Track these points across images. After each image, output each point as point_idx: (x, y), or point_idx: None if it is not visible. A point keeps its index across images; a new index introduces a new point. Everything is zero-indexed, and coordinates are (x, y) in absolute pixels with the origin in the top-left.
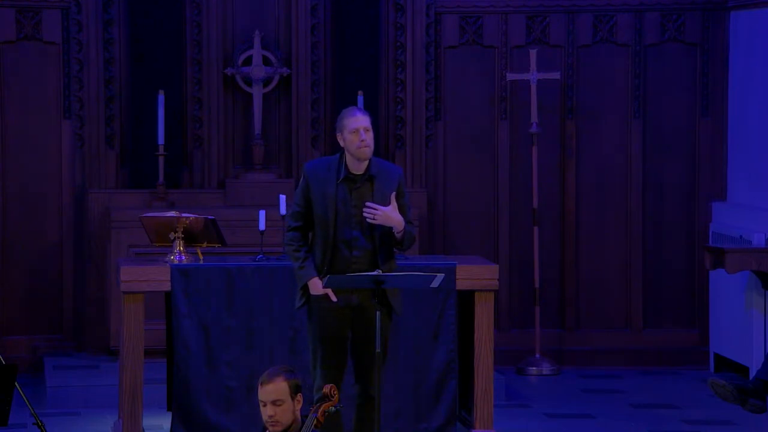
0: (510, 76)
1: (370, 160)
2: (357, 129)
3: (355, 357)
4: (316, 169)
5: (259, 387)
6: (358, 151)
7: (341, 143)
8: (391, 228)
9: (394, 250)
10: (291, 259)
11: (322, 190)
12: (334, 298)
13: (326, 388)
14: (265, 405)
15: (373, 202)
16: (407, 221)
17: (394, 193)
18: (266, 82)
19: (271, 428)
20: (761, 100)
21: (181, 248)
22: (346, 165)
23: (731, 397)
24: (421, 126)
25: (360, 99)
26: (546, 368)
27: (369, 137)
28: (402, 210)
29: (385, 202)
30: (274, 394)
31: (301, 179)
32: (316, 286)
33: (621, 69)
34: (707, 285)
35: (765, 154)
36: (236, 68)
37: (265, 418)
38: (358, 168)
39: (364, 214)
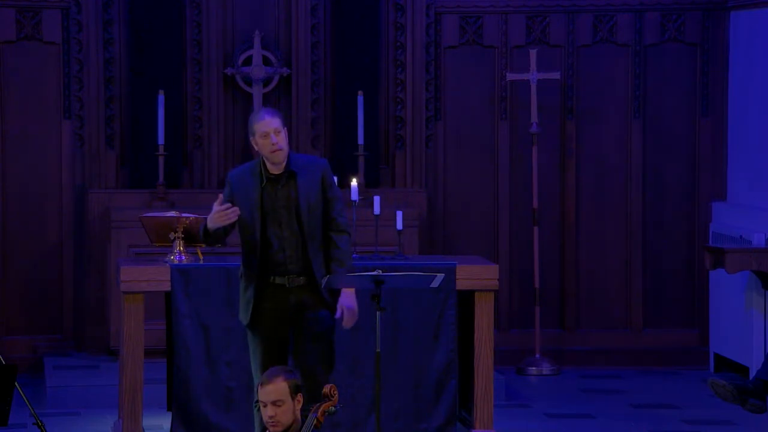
0: (510, 76)
1: (290, 157)
2: (267, 133)
3: (296, 359)
4: (239, 175)
5: (259, 388)
6: (271, 155)
7: (255, 148)
8: (318, 219)
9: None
10: (200, 239)
11: (245, 194)
12: (232, 212)
13: (326, 388)
14: (265, 405)
15: (297, 197)
16: (336, 215)
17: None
18: (266, 82)
19: (271, 428)
20: (761, 100)
21: (181, 248)
22: (266, 168)
23: (731, 397)
24: (421, 126)
25: (360, 99)
26: (546, 368)
27: (280, 139)
28: (329, 204)
29: (310, 197)
30: (274, 395)
31: (225, 187)
32: (210, 217)
33: (621, 69)
34: (707, 285)
35: (765, 154)
36: (236, 68)
37: (265, 418)
38: (277, 169)
39: (344, 325)
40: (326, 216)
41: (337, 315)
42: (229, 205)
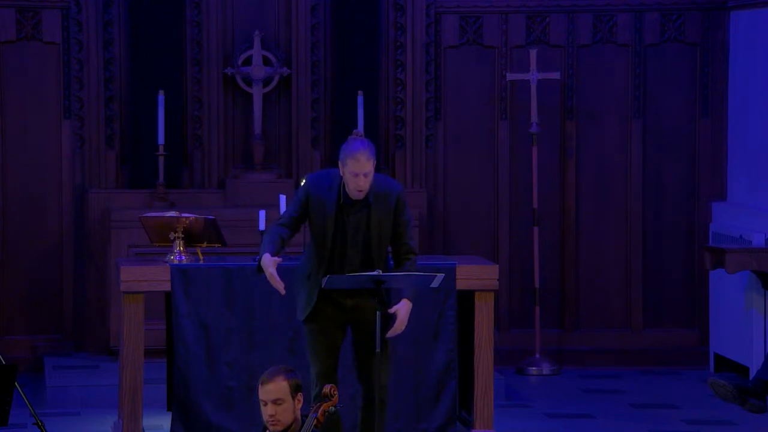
0: (510, 76)
1: None
2: (356, 173)
3: (355, 358)
4: (318, 186)
5: (260, 387)
6: (353, 191)
7: (341, 170)
8: (386, 244)
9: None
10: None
11: (322, 210)
12: (281, 289)
13: (326, 388)
14: (265, 404)
15: (369, 228)
16: (407, 239)
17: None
18: (266, 82)
19: (271, 427)
20: (761, 100)
21: (181, 248)
22: (344, 190)
23: (731, 397)
24: (421, 126)
25: (360, 99)
26: (546, 368)
27: (366, 182)
28: (401, 228)
29: (381, 228)
30: (275, 394)
31: (302, 190)
32: (266, 260)
33: (621, 69)
34: (707, 285)
35: (765, 154)
36: (236, 68)
37: (265, 417)
38: (356, 195)
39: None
40: (396, 240)
41: (391, 310)
42: (283, 286)
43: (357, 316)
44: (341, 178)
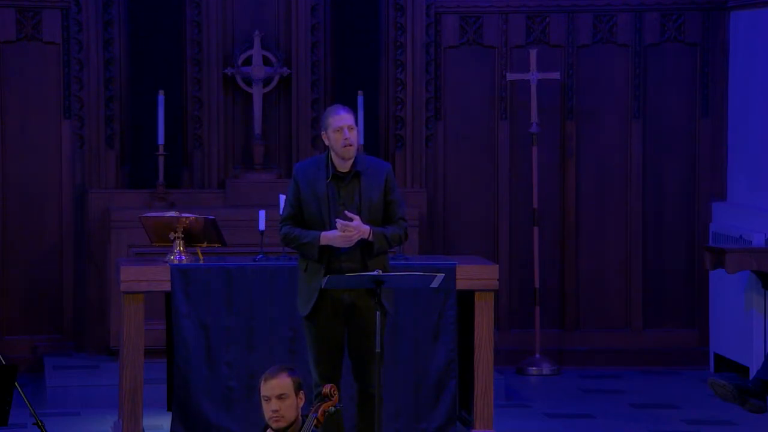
0: (510, 76)
1: (356, 157)
2: (341, 128)
3: (351, 355)
4: (306, 169)
5: (263, 383)
6: (342, 149)
7: (326, 142)
8: (378, 221)
9: (388, 245)
10: (293, 245)
11: (312, 189)
12: (345, 241)
13: (326, 388)
14: (269, 400)
15: (360, 198)
16: (399, 218)
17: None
18: (266, 82)
19: (274, 424)
20: (761, 100)
21: (181, 248)
22: (332, 163)
23: (731, 397)
24: (421, 126)
25: (360, 99)
26: (546, 368)
27: (353, 135)
28: (391, 207)
29: (372, 199)
30: (279, 389)
31: (292, 183)
32: (328, 236)
33: (621, 69)
34: (707, 285)
35: (765, 154)
36: (236, 68)
37: (269, 413)
38: (344, 166)
39: (336, 224)
40: (387, 220)
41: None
42: (345, 224)
43: (354, 313)
44: (327, 156)
